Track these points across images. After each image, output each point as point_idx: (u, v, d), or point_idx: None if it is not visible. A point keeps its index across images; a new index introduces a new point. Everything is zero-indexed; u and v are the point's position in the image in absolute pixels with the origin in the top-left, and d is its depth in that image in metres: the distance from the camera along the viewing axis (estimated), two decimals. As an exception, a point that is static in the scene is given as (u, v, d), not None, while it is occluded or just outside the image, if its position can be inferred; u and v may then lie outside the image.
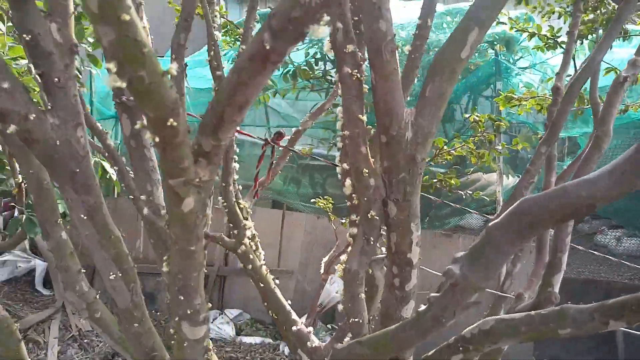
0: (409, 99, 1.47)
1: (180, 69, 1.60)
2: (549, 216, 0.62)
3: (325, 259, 2.93)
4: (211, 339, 4.64)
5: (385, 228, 1.16)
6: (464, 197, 3.53)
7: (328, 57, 4.88)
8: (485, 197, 4.34)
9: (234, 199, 2.11)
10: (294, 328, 2.04)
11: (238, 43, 3.72)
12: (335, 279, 4.60)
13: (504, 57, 4.41)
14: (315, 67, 4.70)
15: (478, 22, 1.01)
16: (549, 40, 2.60)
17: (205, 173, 0.72)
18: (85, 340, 4.64)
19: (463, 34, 1.01)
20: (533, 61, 4.50)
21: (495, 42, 4.55)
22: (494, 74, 4.42)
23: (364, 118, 1.09)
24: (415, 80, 1.55)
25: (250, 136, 1.98)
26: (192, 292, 0.83)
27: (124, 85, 0.52)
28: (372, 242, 1.15)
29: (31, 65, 0.90)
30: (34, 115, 0.85)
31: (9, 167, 4.35)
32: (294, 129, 2.68)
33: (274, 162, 2.05)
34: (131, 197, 1.70)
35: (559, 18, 2.66)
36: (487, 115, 2.45)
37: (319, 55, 4.79)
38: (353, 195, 1.27)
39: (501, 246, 0.67)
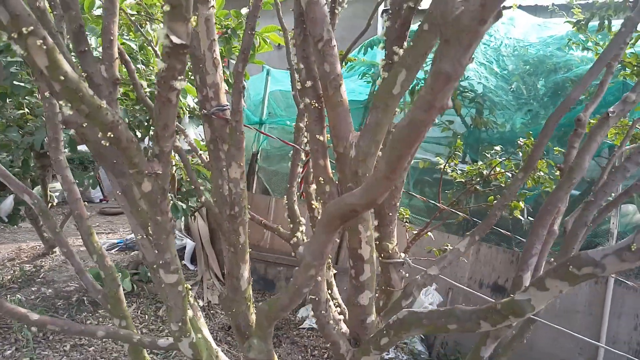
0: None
1: (239, 89, 2.03)
2: (334, 217, 0.88)
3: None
4: (313, 328, 5.09)
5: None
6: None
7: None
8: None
9: (295, 199, 2.49)
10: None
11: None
12: (431, 290, 4.71)
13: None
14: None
15: (406, 66, 1.24)
16: (635, 67, 2.47)
17: (158, 168, 1.12)
18: (211, 311, 5.44)
19: (394, 76, 1.26)
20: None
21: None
22: (620, 97, 4.14)
23: (322, 138, 1.39)
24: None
25: (291, 145, 2.34)
26: (163, 249, 1.23)
27: (71, 112, 0.92)
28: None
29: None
30: (85, 124, 1.34)
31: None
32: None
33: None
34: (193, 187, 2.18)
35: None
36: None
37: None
38: (396, 200, 1.57)
39: (318, 236, 0.94)
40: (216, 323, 5.16)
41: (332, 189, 1.40)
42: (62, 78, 0.88)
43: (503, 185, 2.51)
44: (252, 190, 6.62)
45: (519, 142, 2.23)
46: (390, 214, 1.92)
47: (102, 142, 0.98)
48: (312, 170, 1.46)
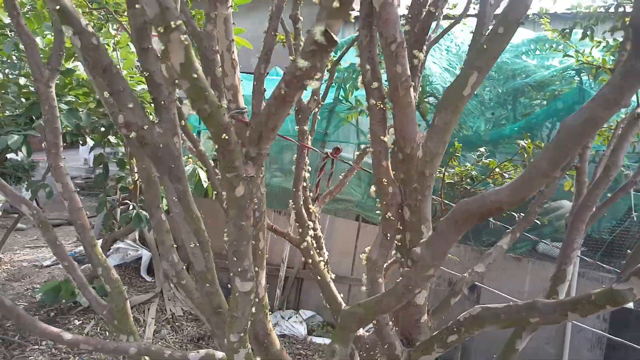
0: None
1: (261, 90, 1.98)
2: (471, 215, 0.89)
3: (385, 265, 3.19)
4: (284, 335, 5.04)
5: (401, 228, 1.44)
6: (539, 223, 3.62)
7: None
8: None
9: (302, 203, 2.46)
10: (342, 317, 2.35)
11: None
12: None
13: (589, 85, 4.40)
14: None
15: (477, 68, 1.27)
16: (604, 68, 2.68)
17: (251, 171, 1.08)
18: (177, 324, 5.25)
19: (464, 78, 1.28)
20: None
21: (582, 71, 4.55)
22: (578, 102, 4.43)
23: (386, 139, 1.39)
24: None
25: (314, 149, 2.32)
26: (243, 255, 1.18)
27: (194, 112, 0.87)
28: (389, 238, 1.44)
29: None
30: (147, 126, 1.26)
31: (128, 167, 5.11)
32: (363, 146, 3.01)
33: (332, 172, 2.38)
34: (215, 192, 2.11)
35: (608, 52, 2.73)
36: (537, 143, 2.59)
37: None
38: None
39: (445, 235, 0.95)
40: (184, 335, 4.98)
41: (395, 190, 1.40)
42: (195, 76, 0.83)
43: (494, 185, 2.61)
44: (212, 197, 6.46)
45: (521, 143, 2.34)
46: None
47: (219, 140, 0.93)
48: (374, 171, 1.45)
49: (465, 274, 1.67)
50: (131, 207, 4.93)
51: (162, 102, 1.28)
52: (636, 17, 0.64)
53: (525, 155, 2.23)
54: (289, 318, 5.30)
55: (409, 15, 1.71)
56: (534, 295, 4.04)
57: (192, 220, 1.40)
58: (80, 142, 4.94)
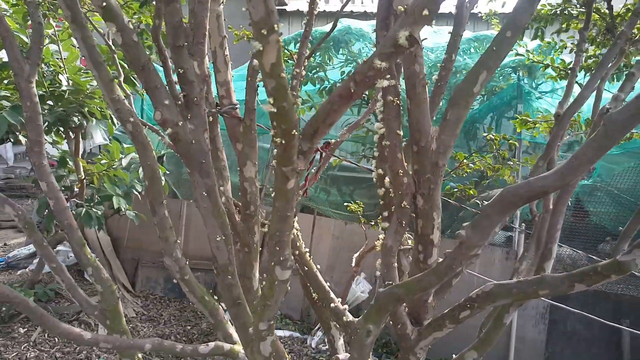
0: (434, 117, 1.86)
1: (254, 87, 2.01)
2: (519, 198, 1.01)
3: (356, 255, 3.31)
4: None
5: (414, 216, 1.55)
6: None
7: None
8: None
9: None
10: (332, 305, 2.44)
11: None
12: (361, 280, 4.97)
13: (526, 82, 4.76)
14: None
15: (487, 67, 1.40)
16: (562, 72, 2.96)
17: (302, 165, 1.14)
18: (130, 325, 5.10)
19: (475, 76, 1.41)
20: (553, 86, 4.83)
21: (518, 68, 4.90)
22: (515, 97, 4.77)
23: (401, 132, 1.49)
24: (441, 103, 1.94)
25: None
26: (284, 245, 1.24)
27: (274, 110, 0.93)
28: (403, 225, 1.54)
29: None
30: (181, 122, 1.28)
31: (70, 165, 4.89)
32: (332, 140, 3.11)
33: (320, 167, 2.45)
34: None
35: (570, 52, 3.01)
36: (503, 135, 2.82)
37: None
38: (389, 194, 1.68)
39: (492, 217, 1.06)
40: (142, 336, 4.86)
41: (410, 180, 1.50)
42: (282, 76, 0.88)
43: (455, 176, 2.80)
44: (159, 195, 6.29)
45: (489, 136, 2.54)
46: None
47: (288, 136, 0.98)
48: (381, 167, 1.55)
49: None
50: (74, 206, 4.72)
51: (195, 99, 1.30)
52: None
53: (494, 147, 2.43)
54: (246, 313, 5.30)
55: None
56: (485, 274, 4.32)
57: (218, 214, 1.43)
58: (12, 140, 4.69)
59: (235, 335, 1.99)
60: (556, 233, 1.76)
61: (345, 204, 3.86)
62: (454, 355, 1.87)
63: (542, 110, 4.26)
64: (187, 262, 1.88)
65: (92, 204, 4.65)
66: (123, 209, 4.72)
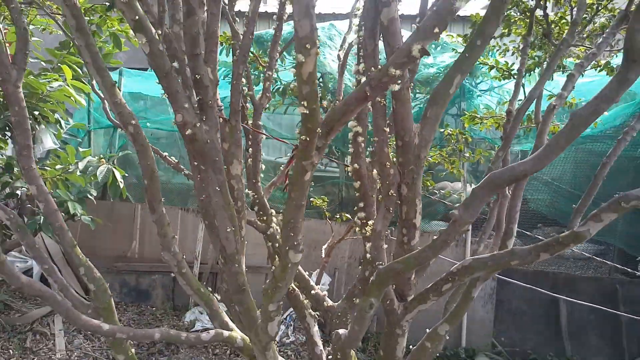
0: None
1: (239, 89, 2.14)
2: (504, 181, 1.23)
3: (325, 246, 3.49)
4: (207, 329, 5.10)
5: (399, 203, 1.75)
6: (433, 199, 4.20)
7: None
8: (451, 203, 5.01)
9: (262, 193, 2.66)
10: (312, 292, 2.61)
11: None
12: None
13: (467, 81, 5.12)
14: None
15: (460, 71, 1.61)
16: (505, 72, 3.28)
17: (317, 159, 1.30)
18: (89, 333, 5.01)
19: (451, 79, 1.62)
20: (491, 85, 5.23)
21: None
22: (458, 95, 5.12)
23: (387, 129, 1.68)
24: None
25: (285, 142, 2.53)
26: (298, 231, 1.39)
27: (307, 112, 1.09)
28: (390, 211, 1.74)
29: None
30: (198, 124, 1.41)
31: (17, 172, 4.76)
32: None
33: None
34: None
35: (512, 55, 3.35)
36: (458, 130, 3.09)
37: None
38: (364, 186, 1.87)
39: (480, 198, 1.27)
40: (102, 342, 4.80)
41: (395, 171, 1.70)
42: (315, 82, 1.04)
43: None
44: (110, 199, 6.19)
45: (447, 131, 2.79)
46: (372, 196, 2.27)
47: (312, 133, 1.14)
48: (376, 157, 1.73)
49: (434, 236, 2.03)
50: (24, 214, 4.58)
51: (209, 102, 1.43)
52: (631, 41, 1.00)
53: (454, 141, 2.69)
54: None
55: (363, 23, 2.01)
56: (438, 260, 4.63)
57: (228, 207, 1.56)
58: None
59: (231, 324, 2.11)
60: (516, 214, 2.02)
61: (311, 199, 4.03)
62: (427, 330, 2.09)
63: (484, 107, 4.62)
64: (184, 257, 1.99)
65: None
66: (78, 214, 4.64)
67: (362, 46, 1.66)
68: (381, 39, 1.72)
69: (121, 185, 4.24)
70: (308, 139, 1.18)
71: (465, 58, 1.62)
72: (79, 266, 2.12)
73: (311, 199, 4.06)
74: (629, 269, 4.76)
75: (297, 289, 2.59)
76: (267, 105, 5.57)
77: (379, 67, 1.69)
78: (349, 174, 5.52)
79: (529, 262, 1.59)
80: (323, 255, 3.42)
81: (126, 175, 4.43)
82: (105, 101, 2.74)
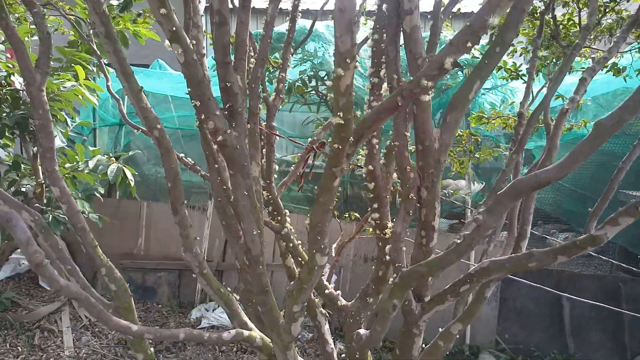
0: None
1: (258, 94, 2.17)
2: (528, 188, 1.27)
3: (335, 245, 3.53)
4: (213, 326, 5.15)
5: (418, 205, 1.79)
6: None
7: (319, 75, 5.50)
8: (456, 201, 5.05)
9: (276, 193, 2.70)
10: (326, 291, 2.65)
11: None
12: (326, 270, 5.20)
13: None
14: (310, 85, 5.34)
15: (480, 77, 1.65)
16: (513, 73, 3.33)
17: (346, 165, 1.34)
18: (97, 329, 5.06)
19: (470, 84, 1.65)
20: (495, 84, 5.27)
21: (464, 67, 5.29)
22: (463, 94, 5.16)
23: (408, 134, 1.72)
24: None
25: (296, 142, 2.57)
26: (324, 234, 1.44)
27: (342, 122, 1.13)
28: (410, 214, 1.78)
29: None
30: (229, 130, 1.44)
31: (29, 169, 4.79)
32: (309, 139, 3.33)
33: (312, 166, 2.65)
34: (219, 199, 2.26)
35: (520, 55, 3.38)
36: (468, 131, 3.14)
37: (311, 73, 5.43)
38: (378, 188, 1.92)
39: (504, 203, 1.31)
40: (110, 340, 4.84)
41: (415, 175, 1.74)
42: (352, 94, 1.08)
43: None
44: (116, 196, 6.22)
45: (458, 132, 2.83)
46: (386, 197, 2.31)
47: (344, 142, 1.18)
48: (396, 160, 1.77)
49: (456, 239, 2.08)
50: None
51: (239, 109, 1.47)
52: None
53: (463, 142, 2.73)
54: (213, 310, 5.40)
55: (377, 26, 2.05)
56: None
57: (255, 211, 1.60)
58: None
59: (250, 323, 2.15)
60: (529, 216, 2.06)
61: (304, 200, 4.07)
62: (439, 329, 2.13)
63: (490, 105, 4.66)
64: (205, 258, 2.03)
65: (50, 208, 4.58)
66: (86, 212, 4.68)
67: (384, 53, 1.70)
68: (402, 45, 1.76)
69: (132, 184, 4.27)
70: (340, 147, 1.21)
71: (484, 64, 1.66)
72: (101, 267, 2.15)
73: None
74: (631, 267, 4.83)
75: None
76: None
77: (400, 73, 1.73)
78: (355, 172, 5.55)
79: (547, 264, 1.63)
80: (333, 254, 3.46)
81: (136, 173, 4.46)
82: (120, 102, 2.77)
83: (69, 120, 4.85)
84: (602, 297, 4.46)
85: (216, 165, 2.09)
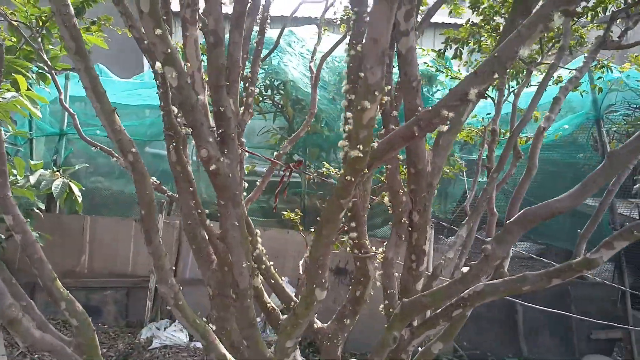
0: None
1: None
2: (539, 217, 1.24)
3: (301, 262, 3.44)
4: (165, 346, 4.91)
5: (410, 229, 1.74)
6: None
7: (274, 85, 5.41)
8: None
9: (246, 213, 2.58)
10: (301, 314, 2.55)
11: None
12: (285, 284, 5.09)
13: (426, 90, 5.23)
14: (265, 93, 5.23)
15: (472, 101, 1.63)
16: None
17: (354, 195, 1.26)
18: (36, 355, 4.69)
19: (463, 110, 1.63)
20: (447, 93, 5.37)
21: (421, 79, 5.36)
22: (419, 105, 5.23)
23: (400, 157, 1.67)
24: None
25: (275, 161, 2.48)
26: (325, 268, 1.36)
27: (361, 155, 1.05)
28: (402, 239, 1.73)
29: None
30: (222, 158, 1.33)
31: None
32: (275, 153, 3.23)
33: (288, 183, 2.55)
34: (177, 214, 2.12)
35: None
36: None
37: (267, 82, 5.32)
38: (356, 206, 1.87)
39: (514, 233, 1.29)
40: (52, 366, 4.49)
41: (407, 199, 1.69)
42: (372, 126, 1.01)
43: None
44: (56, 211, 5.81)
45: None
46: (363, 215, 2.26)
47: (348, 177, 1.11)
48: (387, 183, 1.72)
49: (441, 260, 2.05)
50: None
51: (231, 135, 1.36)
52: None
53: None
54: (165, 328, 5.16)
55: (354, 41, 2.00)
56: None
57: (245, 241, 1.49)
58: None
59: (229, 355, 2.03)
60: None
61: (283, 212, 3.97)
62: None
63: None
64: (180, 289, 1.90)
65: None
66: (25, 230, 4.31)
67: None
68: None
69: (79, 200, 3.99)
70: (353, 179, 1.14)
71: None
72: (60, 300, 1.96)
73: (283, 212, 4.00)
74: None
75: (277, 309, 2.54)
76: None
77: (393, 95, 1.68)
78: (311, 182, 5.45)
79: (541, 287, 1.62)
80: (301, 271, 3.36)
81: (83, 188, 4.16)
82: (75, 117, 2.56)
83: (2, 130, 4.46)
84: (552, 301, 4.62)
85: (191, 189, 1.96)
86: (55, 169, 4.18)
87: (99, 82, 1.52)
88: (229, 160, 1.37)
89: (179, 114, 1.79)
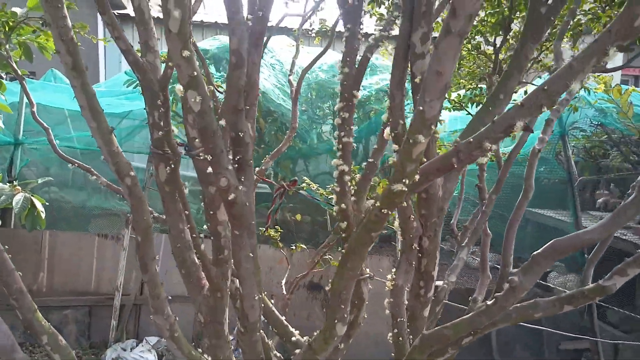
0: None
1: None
2: (569, 248, 1.23)
3: (283, 281, 3.35)
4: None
5: (419, 255, 1.70)
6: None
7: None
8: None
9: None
10: (293, 338, 2.47)
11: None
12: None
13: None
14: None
15: (482, 123, 1.61)
16: (457, 104, 3.41)
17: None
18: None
19: (473, 130, 1.60)
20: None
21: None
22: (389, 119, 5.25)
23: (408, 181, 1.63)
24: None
25: (269, 182, 2.39)
26: (347, 302, 1.29)
27: (405, 189, 1.00)
28: (412, 265, 1.68)
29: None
30: (240, 187, 1.25)
31: None
32: (257, 169, 3.14)
33: (281, 202, 2.47)
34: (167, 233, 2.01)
35: (466, 91, 3.49)
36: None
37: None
38: (350, 227, 1.82)
39: (542, 265, 1.26)
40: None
41: (418, 224, 1.65)
42: (420, 160, 0.96)
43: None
44: (11, 225, 5.47)
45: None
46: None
47: (385, 210, 1.06)
48: (342, 203, 1.68)
49: (444, 284, 2.02)
50: None
51: (249, 161, 1.28)
52: None
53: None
54: (132, 349, 4.93)
55: (347, 59, 1.96)
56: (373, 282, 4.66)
57: (258, 272, 1.41)
58: None
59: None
60: (510, 257, 2.06)
61: (261, 228, 3.86)
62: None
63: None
64: (176, 319, 1.79)
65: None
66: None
67: (390, 96, 1.59)
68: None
69: (42, 216, 3.75)
70: (389, 212, 1.09)
71: (488, 110, 1.63)
72: (42, 334, 1.82)
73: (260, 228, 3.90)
74: (540, 281, 5.18)
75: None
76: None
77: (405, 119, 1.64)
78: (284, 196, 5.32)
79: (553, 313, 1.61)
80: (284, 292, 3.27)
81: (47, 203, 3.92)
82: (49, 131, 2.40)
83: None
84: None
85: (186, 212, 1.85)
86: (7, 179, 3.91)
87: (96, 100, 1.41)
88: (246, 188, 1.29)
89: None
